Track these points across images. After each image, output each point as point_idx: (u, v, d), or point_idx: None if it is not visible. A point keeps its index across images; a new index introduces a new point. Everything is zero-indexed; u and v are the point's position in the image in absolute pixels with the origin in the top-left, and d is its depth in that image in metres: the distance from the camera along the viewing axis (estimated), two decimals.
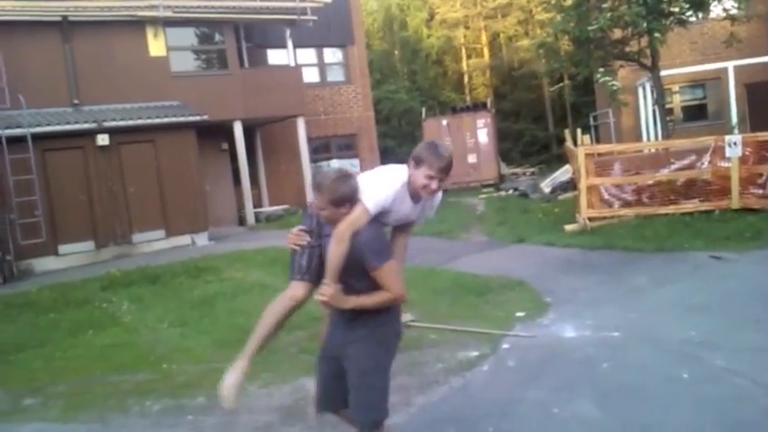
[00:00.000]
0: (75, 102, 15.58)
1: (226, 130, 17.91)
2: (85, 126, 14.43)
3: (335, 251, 3.04)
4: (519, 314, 6.79)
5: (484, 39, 38.12)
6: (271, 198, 20.14)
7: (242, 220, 18.56)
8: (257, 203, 19.20)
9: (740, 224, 9.83)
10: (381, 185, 3.16)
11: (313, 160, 19.86)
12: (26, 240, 13.35)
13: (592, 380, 4.87)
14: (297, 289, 3.33)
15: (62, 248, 14.12)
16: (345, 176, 3.11)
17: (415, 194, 3.22)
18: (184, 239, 15.22)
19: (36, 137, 13.61)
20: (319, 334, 3.62)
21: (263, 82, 18.24)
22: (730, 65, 16.68)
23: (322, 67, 22.31)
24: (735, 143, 10.58)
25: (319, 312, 7.45)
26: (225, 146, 18.72)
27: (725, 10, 14.10)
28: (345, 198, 3.05)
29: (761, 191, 10.82)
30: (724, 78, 17.47)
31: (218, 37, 18.37)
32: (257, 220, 18.34)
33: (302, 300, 3.35)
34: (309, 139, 19.56)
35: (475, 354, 5.70)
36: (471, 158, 23.59)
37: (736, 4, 13.75)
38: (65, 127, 14.27)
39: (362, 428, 3.21)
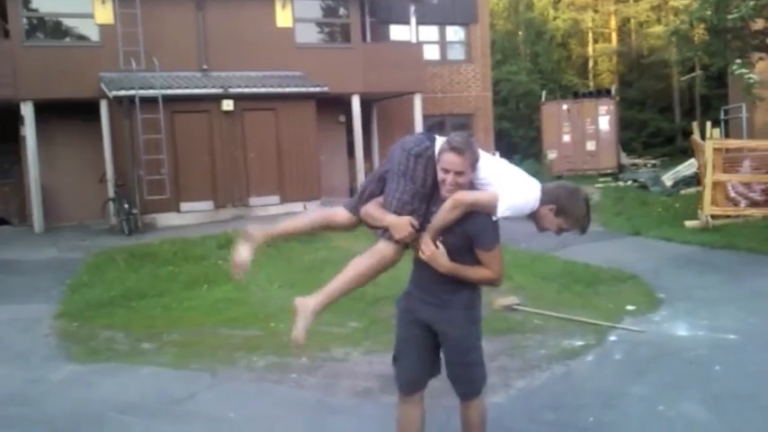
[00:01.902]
0: (205, 67, 16.22)
1: (344, 102, 18.15)
2: (212, 91, 15.00)
3: (448, 216, 2.95)
4: (629, 308, 6.58)
5: (613, 23, 36.69)
6: None
7: (353, 192, 18.79)
8: None
9: None
10: (527, 195, 3.01)
11: None
12: (151, 196, 14.09)
13: (702, 381, 4.66)
14: (387, 248, 3.11)
15: (183, 206, 14.82)
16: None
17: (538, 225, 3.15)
18: (298, 206, 15.59)
19: (166, 99, 14.28)
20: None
21: (384, 57, 18.32)
22: None
23: (443, 44, 22.15)
24: None
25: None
26: (342, 118, 19.00)
27: None
28: (476, 164, 2.99)
29: None
30: None
31: (342, 11, 18.58)
32: None
33: (391, 260, 3.18)
34: (425, 117, 19.51)
35: (580, 343, 5.57)
36: (590, 146, 22.87)
37: None
38: (193, 91, 14.90)
39: (468, 398, 3.36)
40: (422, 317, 3.25)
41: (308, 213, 3.21)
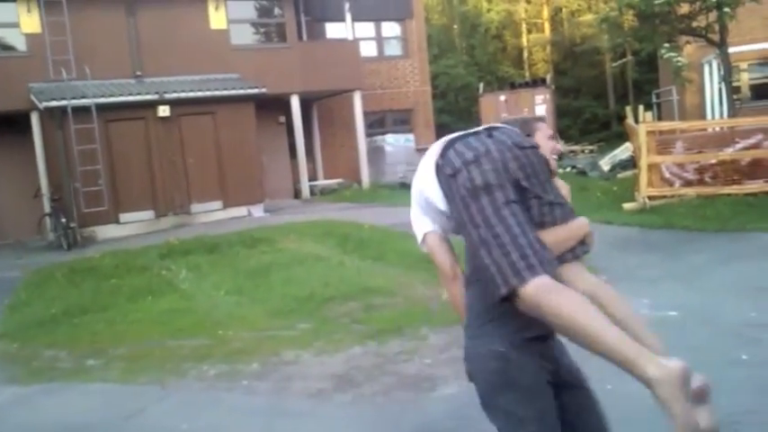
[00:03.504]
0: (138, 73, 15.90)
1: (283, 103, 18.04)
2: (147, 97, 14.72)
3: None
4: None
5: (545, 13, 37.36)
6: (326, 171, 20.27)
7: (297, 193, 18.74)
8: (312, 177, 19.35)
9: None
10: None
11: (368, 134, 19.87)
12: (89, 208, 13.75)
13: None
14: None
15: (123, 217, 14.51)
16: None
17: None
18: (241, 211, 15.47)
19: (100, 107, 13.95)
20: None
21: (321, 56, 18.28)
22: None
23: (380, 40, 22.21)
24: None
25: (373, 283, 7.56)
26: (282, 119, 18.88)
27: None
28: None
29: None
30: None
31: (277, 10, 18.46)
32: (312, 193, 18.51)
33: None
34: (365, 114, 19.54)
35: None
36: None
37: None
38: (127, 98, 14.59)
39: None
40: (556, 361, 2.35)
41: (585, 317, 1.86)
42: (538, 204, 2.10)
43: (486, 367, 2.19)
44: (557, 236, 2.12)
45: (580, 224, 2.22)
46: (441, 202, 2.21)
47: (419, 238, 2.41)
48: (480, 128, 2.24)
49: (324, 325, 6.26)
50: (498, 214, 1.97)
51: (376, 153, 19.86)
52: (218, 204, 15.43)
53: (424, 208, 2.33)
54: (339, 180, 19.41)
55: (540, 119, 2.70)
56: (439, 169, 2.14)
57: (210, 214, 15.19)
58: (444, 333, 5.68)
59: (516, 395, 2.16)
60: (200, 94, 15.31)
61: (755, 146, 10.93)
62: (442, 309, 6.41)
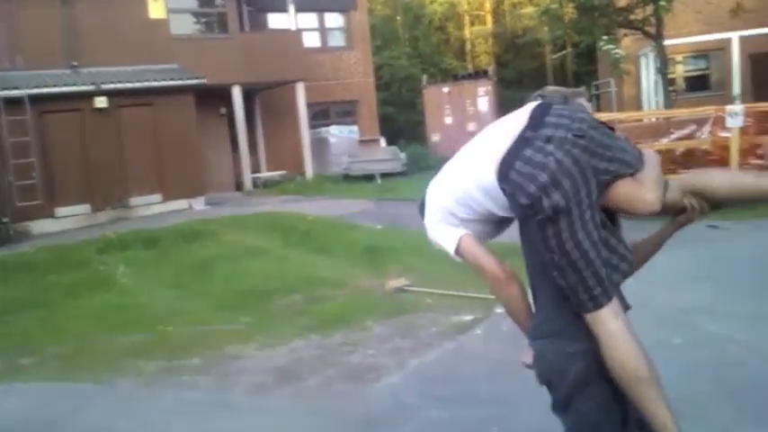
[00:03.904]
0: (74, 64, 15.41)
1: (224, 94, 17.77)
2: (83, 88, 14.28)
3: None
4: None
5: (487, 5, 37.68)
6: (268, 164, 20.07)
7: (239, 186, 18.50)
8: (255, 169, 19.14)
9: None
10: None
11: (312, 126, 19.74)
12: (23, 202, 13.28)
13: None
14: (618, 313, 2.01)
15: (59, 211, 14.08)
16: None
17: None
18: (181, 204, 15.18)
19: (33, 98, 13.47)
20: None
21: (263, 46, 18.06)
22: (735, 35, 16.50)
23: (323, 31, 22.07)
24: (736, 113, 10.48)
25: (317, 275, 7.53)
26: (223, 111, 18.58)
27: None
28: None
29: (760, 161, 10.77)
30: (728, 49, 17.30)
31: (218, 0, 18.15)
32: (255, 185, 18.30)
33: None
34: (309, 105, 19.40)
35: (469, 318, 5.72)
36: (471, 126, 23.35)
37: None
38: (62, 89, 14.13)
39: None
40: None
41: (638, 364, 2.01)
42: (607, 161, 2.02)
43: (571, 368, 2.06)
44: (651, 175, 2.11)
45: (651, 156, 2.19)
46: (499, 209, 2.08)
47: (451, 245, 2.17)
48: (525, 123, 2.06)
49: (266, 318, 6.21)
50: (575, 239, 1.93)
51: (320, 145, 19.76)
52: (157, 198, 15.10)
53: (460, 206, 2.13)
54: (282, 172, 19.24)
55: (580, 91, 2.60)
56: (507, 188, 1.97)
57: (150, 207, 14.86)
58: (388, 324, 5.71)
59: (604, 392, 2.06)
60: (138, 84, 14.94)
61: (689, 136, 11.26)
62: (387, 300, 6.44)
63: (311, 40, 20.89)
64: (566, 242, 1.92)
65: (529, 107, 2.15)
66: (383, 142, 21.15)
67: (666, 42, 14.42)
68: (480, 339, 5.26)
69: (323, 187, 16.95)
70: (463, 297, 6.28)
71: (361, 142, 20.27)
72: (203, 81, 15.52)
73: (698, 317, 5.19)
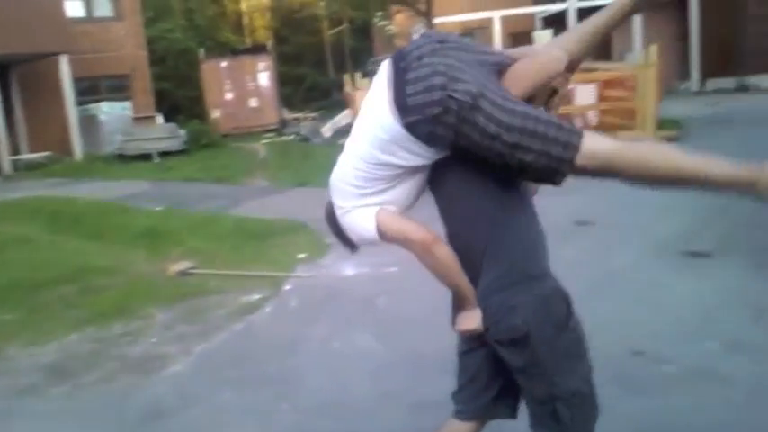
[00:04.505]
0: None
1: None
2: None
3: None
4: (300, 256, 6.83)
5: None
6: (31, 145, 18.29)
7: None
8: (15, 151, 17.37)
9: None
10: None
11: (79, 102, 18.24)
12: None
13: (370, 314, 5.04)
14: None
15: None
16: None
17: None
18: None
19: None
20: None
21: (17, 13, 16.22)
22: (496, 14, 17.80)
23: (88, 0, 20.42)
24: None
25: (91, 263, 7.01)
26: None
27: None
28: None
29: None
30: (491, 27, 18.59)
31: None
32: (15, 168, 16.64)
33: None
34: (75, 80, 17.88)
35: (257, 297, 5.65)
36: (253, 103, 23.18)
37: None
38: None
39: None
40: None
41: None
42: (487, 54, 1.99)
43: (553, 310, 1.98)
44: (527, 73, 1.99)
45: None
46: (412, 156, 1.93)
47: (370, 225, 2.06)
48: (390, 68, 1.97)
49: (33, 313, 5.67)
50: (507, 108, 1.81)
51: (89, 123, 18.37)
52: None
53: (367, 180, 2.01)
54: (47, 153, 17.61)
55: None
56: (412, 118, 1.84)
57: None
58: (172, 310, 5.47)
59: (577, 334, 2.04)
60: None
61: None
62: (169, 285, 6.16)
63: (75, 10, 19.23)
64: (501, 116, 1.81)
65: (384, 64, 2.05)
66: (160, 119, 20.18)
67: (437, 20, 15.19)
68: (269, 318, 5.21)
69: (94, 168, 15.81)
70: (251, 276, 6.19)
71: (136, 119, 19.18)
72: None
73: None
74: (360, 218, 2.08)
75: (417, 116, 1.84)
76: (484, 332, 2.04)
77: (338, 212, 2.16)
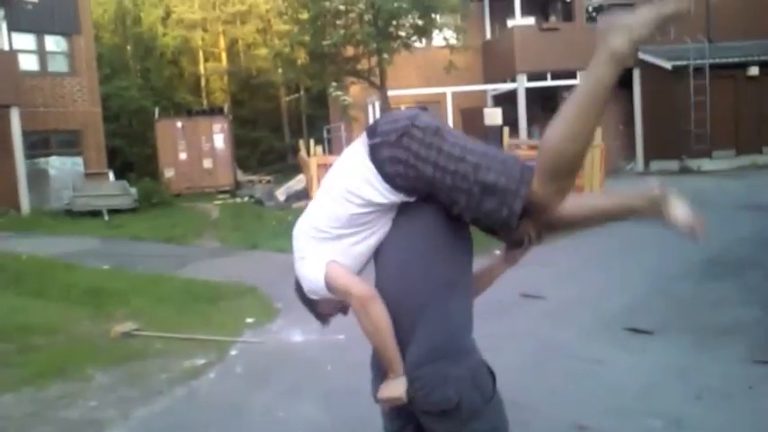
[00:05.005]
0: None
1: None
2: None
3: None
4: (249, 320, 6.77)
5: (222, 43, 37.61)
6: None
7: None
8: None
9: None
10: None
11: (29, 156, 17.98)
12: None
13: (316, 381, 5.00)
14: None
15: None
16: None
17: None
18: None
19: None
20: None
21: None
22: (449, 90, 18.31)
23: (43, 54, 20.32)
24: None
25: (30, 320, 6.82)
26: None
27: (445, 39, 15.40)
28: None
29: None
30: (443, 102, 19.09)
31: None
32: None
33: None
34: (25, 134, 17.62)
35: (202, 361, 5.56)
36: (207, 163, 23.18)
37: (454, 35, 15.12)
38: None
39: None
40: None
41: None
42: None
43: (481, 383, 2.03)
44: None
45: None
46: (381, 192, 2.01)
47: (319, 273, 2.09)
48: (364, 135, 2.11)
49: None
50: (462, 144, 1.98)
51: (38, 177, 18.07)
52: None
53: (333, 219, 2.07)
54: None
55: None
56: (377, 139, 2.00)
57: None
58: (113, 372, 5.35)
59: (500, 407, 2.10)
60: None
61: None
62: (112, 346, 6.03)
63: (28, 63, 19.14)
64: (454, 148, 1.96)
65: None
66: (111, 176, 19.96)
67: (390, 93, 15.54)
68: (213, 384, 5.13)
69: (42, 223, 15.47)
70: (196, 340, 6.10)
71: (87, 175, 18.95)
72: None
73: None
74: (310, 268, 2.12)
75: (382, 138, 1.99)
76: (408, 402, 2.02)
77: (296, 263, 2.20)
